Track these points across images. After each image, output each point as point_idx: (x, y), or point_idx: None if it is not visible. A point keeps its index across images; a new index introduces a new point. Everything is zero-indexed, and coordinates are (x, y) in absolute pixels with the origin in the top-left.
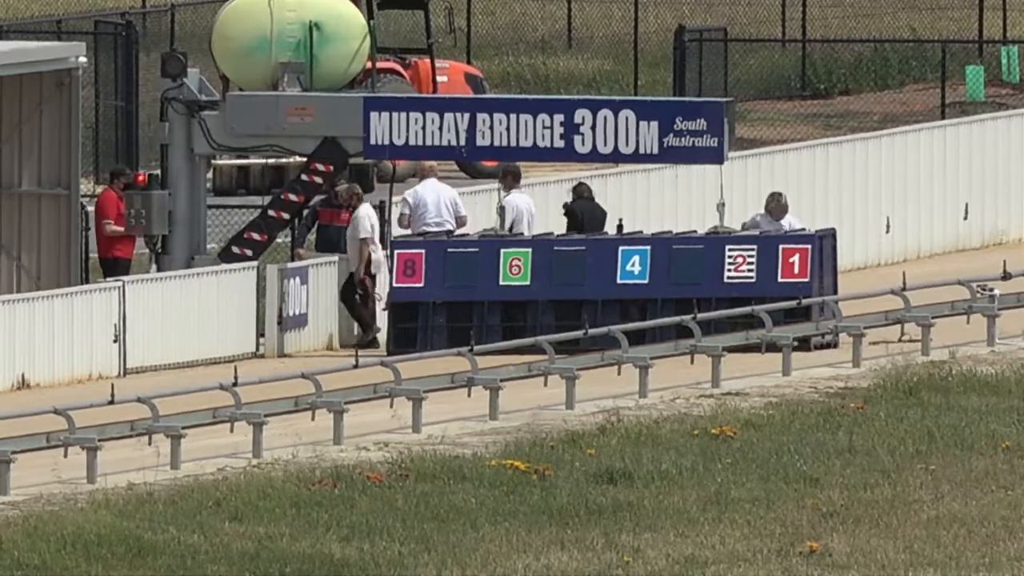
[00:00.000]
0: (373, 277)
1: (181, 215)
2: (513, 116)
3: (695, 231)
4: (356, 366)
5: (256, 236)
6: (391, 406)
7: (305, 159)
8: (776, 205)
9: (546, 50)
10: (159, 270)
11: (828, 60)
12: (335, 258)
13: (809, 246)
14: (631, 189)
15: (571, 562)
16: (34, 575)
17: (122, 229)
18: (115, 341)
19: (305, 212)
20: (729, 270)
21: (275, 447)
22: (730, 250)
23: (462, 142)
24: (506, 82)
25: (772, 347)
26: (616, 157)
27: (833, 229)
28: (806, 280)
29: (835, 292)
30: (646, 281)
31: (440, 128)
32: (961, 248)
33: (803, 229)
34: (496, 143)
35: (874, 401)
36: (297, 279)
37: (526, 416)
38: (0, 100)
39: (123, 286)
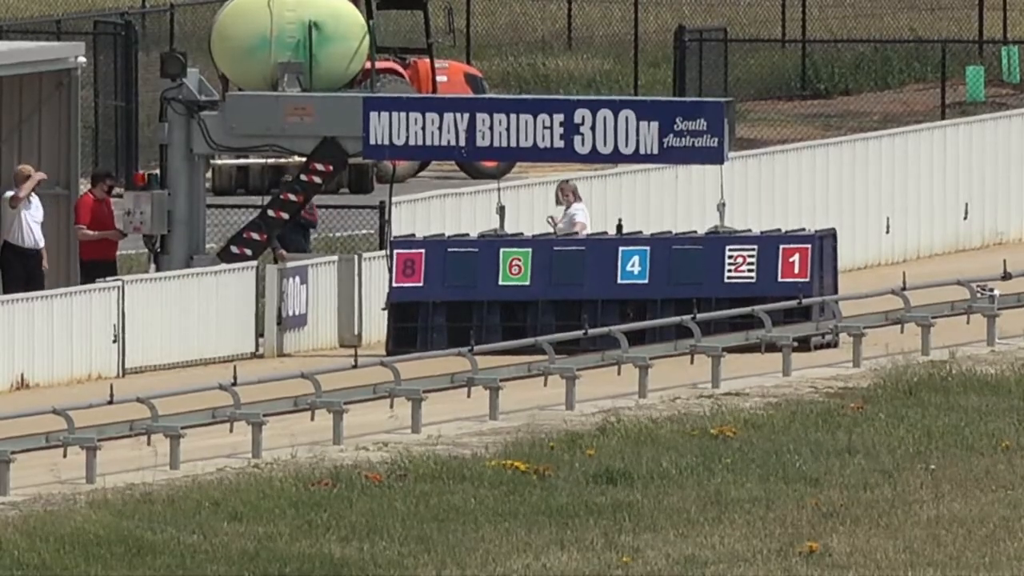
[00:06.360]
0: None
1: (180, 215)
2: (513, 116)
3: (695, 231)
4: (355, 366)
5: (255, 236)
6: (391, 406)
7: (304, 159)
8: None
9: (546, 50)
10: (158, 270)
11: (828, 60)
12: (335, 258)
13: (809, 246)
14: (631, 189)
15: (571, 562)
16: (33, 575)
17: (93, 233)
18: (114, 341)
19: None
20: (729, 270)
21: (274, 447)
22: (730, 250)
23: (462, 142)
24: (506, 82)
25: (772, 347)
26: (616, 157)
27: (833, 229)
28: (806, 280)
29: (835, 292)
30: (646, 281)
31: (440, 128)
32: (961, 248)
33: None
34: (496, 143)
35: (874, 401)
36: (296, 279)
37: (526, 416)
38: (0, 100)
39: (122, 286)
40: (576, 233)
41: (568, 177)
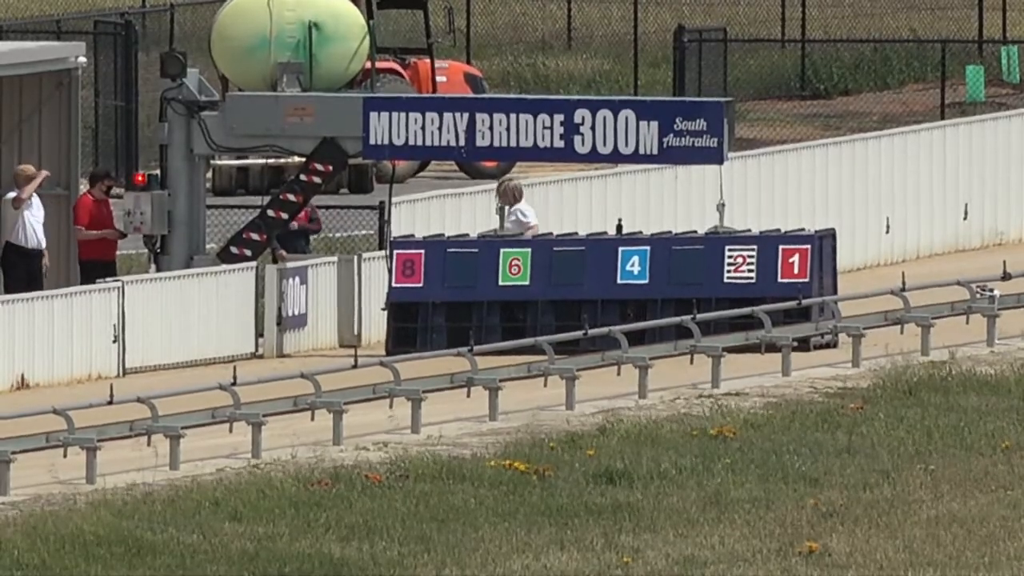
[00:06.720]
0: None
1: (180, 215)
2: (513, 116)
3: (695, 231)
4: (355, 366)
5: (255, 236)
6: (390, 406)
7: (304, 159)
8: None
9: (546, 50)
10: (158, 270)
11: (828, 60)
12: (335, 258)
13: (809, 246)
14: (631, 189)
15: (570, 562)
16: (33, 575)
17: (91, 233)
18: (114, 341)
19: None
20: (729, 270)
21: (274, 447)
22: (730, 250)
23: (462, 142)
24: (506, 82)
25: (772, 347)
26: (616, 157)
27: (833, 229)
28: (806, 280)
29: (835, 292)
30: (646, 281)
31: (440, 128)
32: (961, 248)
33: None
34: (496, 143)
35: (874, 401)
36: (296, 279)
37: (525, 416)
38: (0, 100)
39: (122, 286)
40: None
41: (511, 177)
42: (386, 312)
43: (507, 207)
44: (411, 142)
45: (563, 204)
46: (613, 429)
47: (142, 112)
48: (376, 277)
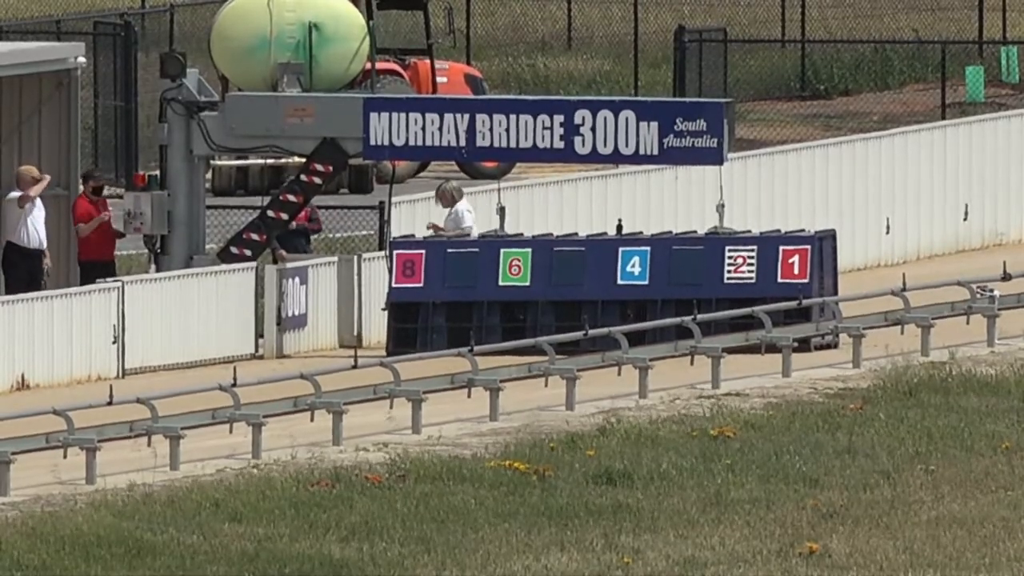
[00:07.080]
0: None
1: (180, 216)
2: (513, 117)
3: (695, 232)
4: (355, 367)
5: (255, 237)
6: (390, 407)
7: (304, 160)
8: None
9: (546, 51)
10: (158, 270)
11: (828, 61)
12: (335, 259)
13: (809, 247)
14: (631, 189)
15: (571, 563)
16: None
17: (85, 227)
18: (114, 342)
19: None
20: (729, 271)
21: (274, 448)
22: (730, 251)
23: (462, 143)
24: (506, 83)
25: (772, 348)
26: (616, 158)
27: (833, 230)
28: (806, 281)
29: (835, 293)
30: (646, 282)
31: (440, 129)
32: (961, 249)
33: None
34: (496, 144)
35: (874, 402)
36: (296, 279)
37: (526, 417)
38: (0, 100)
39: (122, 286)
40: (467, 234)
41: (448, 179)
42: (386, 312)
43: (449, 209)
44: (411, 143)
45: (563, 204)
46: (613, 429)
47: (142, 112)
48: (376, 277)
